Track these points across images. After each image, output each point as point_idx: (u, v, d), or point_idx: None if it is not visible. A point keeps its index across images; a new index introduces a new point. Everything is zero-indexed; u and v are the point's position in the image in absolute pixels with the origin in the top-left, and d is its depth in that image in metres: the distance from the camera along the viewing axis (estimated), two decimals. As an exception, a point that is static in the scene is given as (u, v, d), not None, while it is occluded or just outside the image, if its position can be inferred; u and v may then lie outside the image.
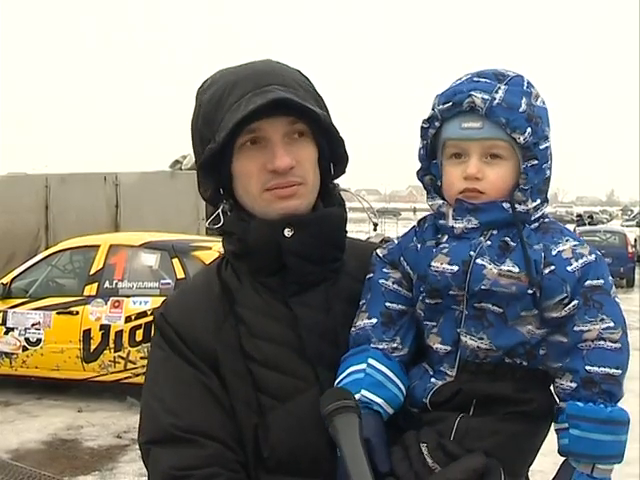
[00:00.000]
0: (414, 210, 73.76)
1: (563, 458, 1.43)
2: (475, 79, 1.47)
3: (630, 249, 23.33)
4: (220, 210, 1.54)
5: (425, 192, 1.56)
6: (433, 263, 1.46)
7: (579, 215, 38.23)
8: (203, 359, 1.50)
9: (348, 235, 1.62)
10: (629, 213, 76.57)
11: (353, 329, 1.53)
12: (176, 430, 1.45)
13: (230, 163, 1.52)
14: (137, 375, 8.38)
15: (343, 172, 1.61)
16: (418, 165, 1.57)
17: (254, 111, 1.43)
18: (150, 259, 9.10)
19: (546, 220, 1.50)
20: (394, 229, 30.69)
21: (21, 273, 9.75)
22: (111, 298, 8.92)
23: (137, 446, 1.56)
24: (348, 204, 1.72)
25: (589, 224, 29.90)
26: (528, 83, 1.48)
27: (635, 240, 28.49)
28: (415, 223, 1.59)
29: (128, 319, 8.74)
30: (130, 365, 8.71)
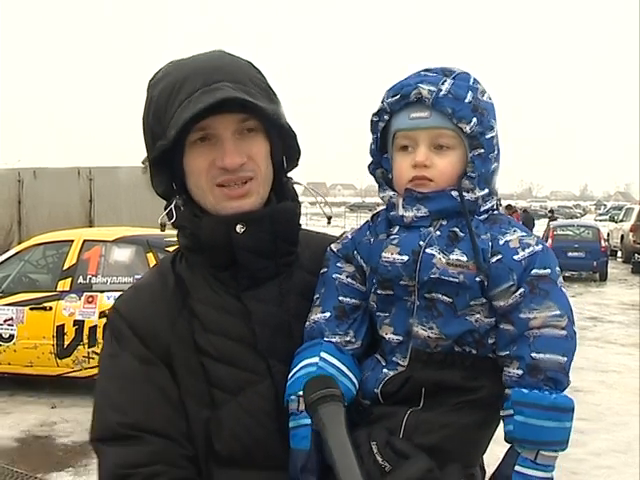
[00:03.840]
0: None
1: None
2: (423, 73, 1.52)
3: (603, 243, 23.50)
4: (173, 205, 1.56)
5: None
6: (383, 254, 1.49)
7: (525, 209, 34.62)
8: (156, 353, 1.51)
9: (304, 227, 1.64)
10: (602, 208, 77.21)
11: (307, 323, 1.55)
12: (121, 428, 1.46)
13: (182, 159, 1.53)
14: (111, 370, 8.29)
15: (296, 166, 1.63)
16: (369, 159, 1.60)
17: (203, 109, 1.44)
18: (124, 254, 9.04)
19: (495, 212, 1.54)
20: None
21: (-7, 268, 9.64)
22: (85, 293, 8.87)
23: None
24: (312, 199, 1.73)
25: (550, 219, 29.47)
26: (475, 80, 1.53)
27: (608, 234, 28.74)
28: (369, 217, 1.62)
29: (102, 314, 8.64)
30: (104, 361, 8.64)
